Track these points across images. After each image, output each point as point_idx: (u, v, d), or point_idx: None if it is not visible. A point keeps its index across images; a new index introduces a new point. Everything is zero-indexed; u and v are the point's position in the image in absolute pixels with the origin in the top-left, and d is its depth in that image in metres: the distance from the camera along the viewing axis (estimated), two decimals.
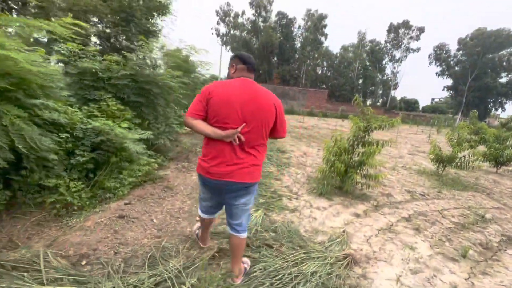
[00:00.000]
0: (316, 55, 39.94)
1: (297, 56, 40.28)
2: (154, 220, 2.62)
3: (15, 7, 5.89)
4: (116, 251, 2.06)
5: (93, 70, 4.12)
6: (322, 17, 38.09)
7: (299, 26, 40.29)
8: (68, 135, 2.96)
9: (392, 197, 4.13)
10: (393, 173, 5.69)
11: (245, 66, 1.69)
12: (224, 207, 1.91)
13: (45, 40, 5.22)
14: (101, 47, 6.88)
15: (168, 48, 6.99)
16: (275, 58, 38.40)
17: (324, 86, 40.81)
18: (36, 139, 2.24)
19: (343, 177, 4.02)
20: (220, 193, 1.75)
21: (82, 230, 2.21)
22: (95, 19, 6.65)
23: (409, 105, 43.15)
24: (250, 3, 37.17)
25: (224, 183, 1.64)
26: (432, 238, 2.85)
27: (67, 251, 1.98)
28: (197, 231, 2.33)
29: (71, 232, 2.18)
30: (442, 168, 5.89)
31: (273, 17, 38.34)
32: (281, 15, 38.66)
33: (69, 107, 3.27)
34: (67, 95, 3.61)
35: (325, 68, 43.41)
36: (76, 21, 3.07)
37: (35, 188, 2.58)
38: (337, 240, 2.57)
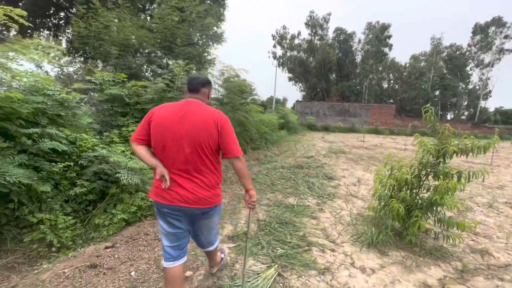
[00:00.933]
0: (380, 68, 36.68)
1: (358, 71, 37.77)
2: (133, 273, 2.09)
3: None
4: None
5: (121, 96, 4.12)
6: (384, 27, 35.21)
7: (359, 40, 38.11)
8: (72, 163, 2.79)
9: (491, 256, 2.70)
10: (491, 213, 4.00)
11: (187, 88, 1.67)
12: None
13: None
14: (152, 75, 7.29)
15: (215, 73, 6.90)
16: (333, 75, 36.79)
17: (391, 101, 36.72)
18: (6, 172, 2.02)
19: (404, 221, 2.84)
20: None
21: (33, 285, 1.82)
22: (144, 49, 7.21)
23: (509, 117, 34.81)
24: (306, 24, 37.24)
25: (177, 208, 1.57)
26: None
27: None
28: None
29: (24, 286, 1.81)
30: None
31: (330, 34, 37.36)
32: (339, 31, 37.39)
33: (83, 134, 3.17)
34: (88, 122, 3.60)
35: (391, 81, 39.34)
36: None
37: (24, 223, 2.39)
38: None
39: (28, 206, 2.40)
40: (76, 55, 9.26)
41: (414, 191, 2.84)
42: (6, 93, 2.15)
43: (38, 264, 2.11)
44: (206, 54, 15.26)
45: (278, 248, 2.58)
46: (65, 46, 10.21)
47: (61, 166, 2.62)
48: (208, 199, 1.56)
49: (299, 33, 38.45)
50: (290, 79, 40.86)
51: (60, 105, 2.93)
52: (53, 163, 2.61)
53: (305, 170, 6.23)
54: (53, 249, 2.24)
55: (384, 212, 2.96)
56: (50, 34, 11.50)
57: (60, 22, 12.91)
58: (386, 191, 2.98)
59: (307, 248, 2.65)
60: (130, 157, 3.06)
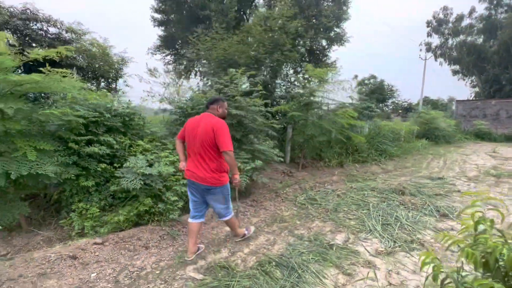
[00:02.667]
0: None
1: None
2: (93, 275, 2.18)
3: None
4: None
5: (183, 108, 4.59)
6: None
7: None
8: (116, 165, 3.36)
9: None
10: None
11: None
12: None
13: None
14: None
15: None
16: None
17: None
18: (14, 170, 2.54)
19: None
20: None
21: (24, 260, 2.27)
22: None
23: None
24: None
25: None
26: None
27: None
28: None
29: (17, 262, 2.30)
30: None
31: None
32: None
33: (139, 141, 3.78)
34: (152, 130, 4.26)
35: None
36: None
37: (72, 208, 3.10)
38: None
39: (78, 195, 3.12)
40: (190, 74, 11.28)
41: None
42: (65, 109, 2.91)
43: (58, 243, 2.66)
44: (324, 57, 14.56)
45: None
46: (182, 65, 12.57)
47: (103, 166, 3.22)
48: (210, 180, 2.34)
49: (471, 11, 28.77)
50: (454, 72, 31.34)
51: (119, 117, 3.64)
52: (101, 164, 3.26)
53: (406, 197, 4.41)
54: (73, 234, 2.77)
55: None
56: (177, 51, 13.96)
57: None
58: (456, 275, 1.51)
59: None
60: (154, 161, 3.30)
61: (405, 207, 3.98)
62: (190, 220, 2.53)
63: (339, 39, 13.98)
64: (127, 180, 2.83)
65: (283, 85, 8.54)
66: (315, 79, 6.44)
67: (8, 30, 7.20)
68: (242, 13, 12.25)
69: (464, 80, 31.37)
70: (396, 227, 3.27)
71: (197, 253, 2.57)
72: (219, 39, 6.93)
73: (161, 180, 3.23)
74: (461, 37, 29.28)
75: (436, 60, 31.25)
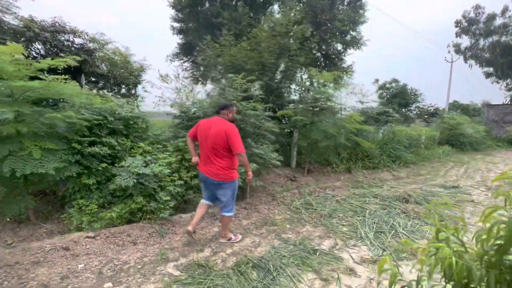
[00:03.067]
0: None
1: None
2: (80, 266, 2.35)
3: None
4: None
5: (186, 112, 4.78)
6: None
7: None
8: (117, 165, 3.58)
9: None
10: None
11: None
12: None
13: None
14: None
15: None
16: None
17: None
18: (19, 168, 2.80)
19: None
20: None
21: (22, 249, 2.49)
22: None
23: None
24: None
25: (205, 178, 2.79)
26: None
27: None
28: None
29: (17, 250, 2.52)
30: None
31: None
32: None
33: (141, 143, 4.01)
34: (154, 134, 4.47)
35: None
36: None
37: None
38: None
39: (80, 192, 3.36)
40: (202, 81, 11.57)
41: None
42: (69, 113, 3.18)
43: (57, 236, 2.88)
44: (340, 61, 14.31)
45: None
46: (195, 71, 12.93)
47: (104, 165, 3.45)
48: (222, 176, 2.68)
49: (504, 10, 26.88)
50: (488, 74, 29.29)
51: (122, 121, 3.88)
52: (102, 163, 3.49)
53: (410, 205, 4.22)
54: (71, 227, 2.99)
55: None
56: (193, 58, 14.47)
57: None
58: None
59: None
60: (155, 162, 3.49)
61: (406, 216, 3.81)
62: (202, 200, 2.96)
63: (355, 43, 13.72)
64: (121, 178, 3.02)
65: (297, 90, 8.52)
66: (329, 83, 6.36)
67: (39, 41, 7.94)
68: (257, 20, 12.46)
69: (498, 83, 29.20)
70: (390, 235, 3.15)
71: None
72: (227, 46, 7.12)
73: (155, 180, 3.39)
74: (494, 37, 27.39)
75: (466, 62, 29.41)
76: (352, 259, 2.63)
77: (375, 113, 11.09)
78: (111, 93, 11.18)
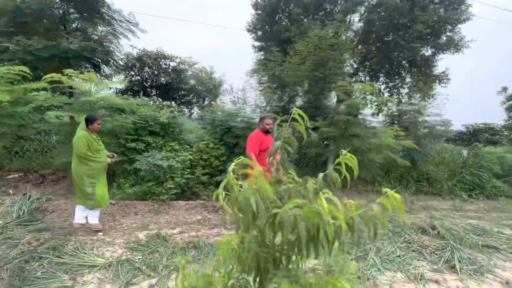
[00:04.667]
0: None
1: None
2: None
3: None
4: None
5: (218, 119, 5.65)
6: None
7: None
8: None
9: None
10: None
11: None
12: None
13: None
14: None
15: None
16: None
17: None
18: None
19: None
20: None
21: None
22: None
23: None
24: None
25: None
26: None
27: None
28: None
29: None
30: None
31: None
32: None
33: (171, 143, 5.15)
34: (185, 138, 5.57)
35: None
36: None
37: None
38: None
39: (124, 174, 4.70)
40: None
41: None
42: (117, 117, 4.58)
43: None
44: (429, 68, 12.20)
45: None
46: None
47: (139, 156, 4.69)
48: None
49: None
50: None
51: (161, 125, 5.11)
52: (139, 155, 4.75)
53: (424, 237, 3.57)
54: (112, 201, 4.26)
55: None
56: None
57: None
58: None
59: None
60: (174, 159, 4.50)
61: (405, 246, 3.30)
62: None
63: (452, 45, 11.42)
64: (139, 164, 4.12)
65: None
66: (367, 93, 5.96)
67: (146, 66, 10.81)
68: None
69: None
70: (359, 260, 2.91)
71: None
72: (278, 61, 7.72)
73: (168, 171, 4.36)
74: None
75: None
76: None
77: (471, 130, 9.01)
78: (195, 104, 13.65)
